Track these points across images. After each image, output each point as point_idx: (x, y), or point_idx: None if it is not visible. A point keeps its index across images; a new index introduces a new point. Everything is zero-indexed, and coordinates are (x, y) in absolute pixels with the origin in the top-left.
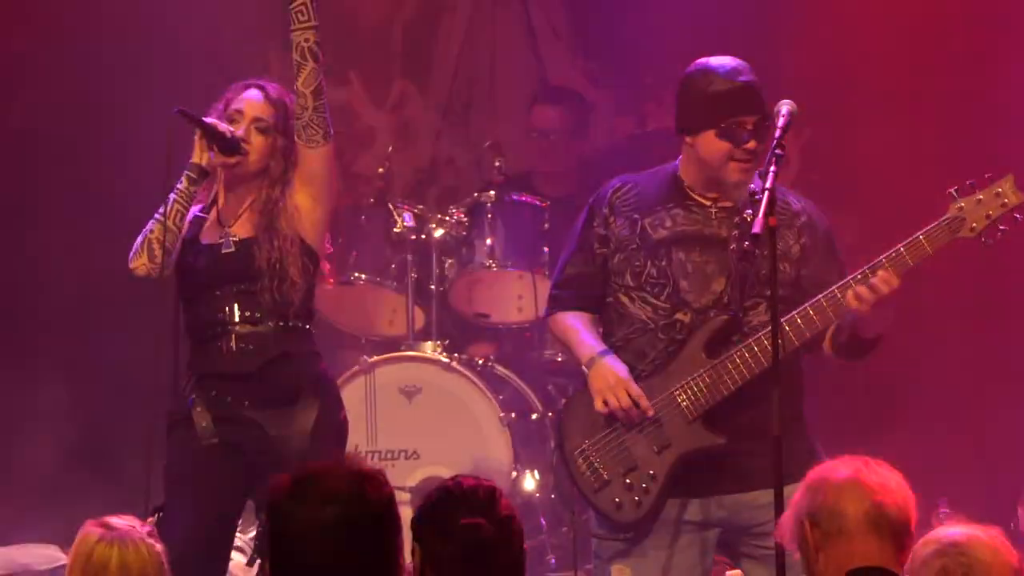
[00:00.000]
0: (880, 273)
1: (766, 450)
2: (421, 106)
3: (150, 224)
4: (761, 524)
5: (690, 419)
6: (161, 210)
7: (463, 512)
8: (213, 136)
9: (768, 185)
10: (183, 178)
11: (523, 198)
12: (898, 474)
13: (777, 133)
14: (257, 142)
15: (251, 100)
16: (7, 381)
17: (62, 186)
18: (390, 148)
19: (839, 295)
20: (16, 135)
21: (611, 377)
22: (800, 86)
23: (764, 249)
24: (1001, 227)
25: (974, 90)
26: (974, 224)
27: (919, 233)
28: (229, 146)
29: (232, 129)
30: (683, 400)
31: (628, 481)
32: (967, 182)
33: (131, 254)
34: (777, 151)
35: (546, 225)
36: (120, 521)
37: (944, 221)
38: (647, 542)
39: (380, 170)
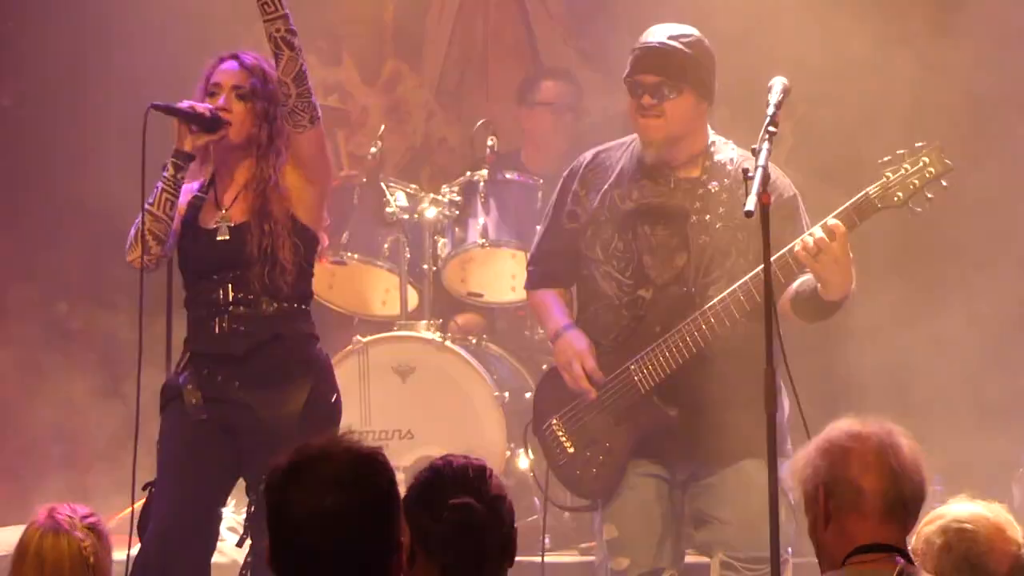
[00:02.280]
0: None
1: (723, 426)
2: (413, 85)
3: (141, 215)
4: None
5: (643, 392)
6: (150, 200)
7: (453, 491)
8: (192, 119)
9: (761, 163)
10: (169, 166)
11: (516, 177)
12: (916, 445)
13: (770, 110)
14: (238, 109)
15: (227, 70)
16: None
17: (59, 179)
18: (382, 128)
19: (788, 257)
20: (6, 117)
21: (570, 351)
22: (795, 63)
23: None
24: (929, 195)
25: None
26: (899, 194)
27: (847, 204)
28: (210, 123)
29: (208, 106)
30: (636, 374)
31: (588, 454)
32: (897, 152)
33: (127, 246)
34: (770, 128)
35: (539, 204)
36: (64, 510)
37: (869, 191)
38: (623, 498)
39: (372, 150)
